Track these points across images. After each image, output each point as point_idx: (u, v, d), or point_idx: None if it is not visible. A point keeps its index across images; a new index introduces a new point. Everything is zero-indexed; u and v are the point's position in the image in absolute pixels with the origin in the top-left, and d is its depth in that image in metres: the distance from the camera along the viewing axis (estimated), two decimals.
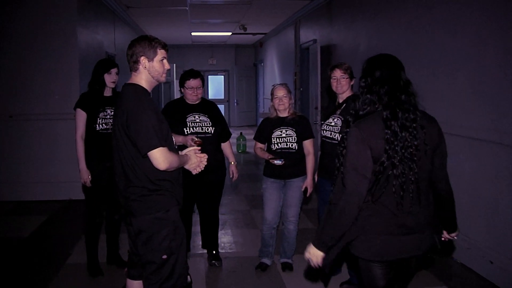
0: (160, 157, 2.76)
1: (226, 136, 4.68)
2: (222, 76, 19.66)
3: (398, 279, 2.61)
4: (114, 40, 9.91)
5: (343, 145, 2.49)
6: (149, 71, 2.92)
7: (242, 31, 13.63)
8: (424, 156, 2.40)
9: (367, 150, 2.34)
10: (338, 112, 4.14)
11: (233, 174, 4.70)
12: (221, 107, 19.36)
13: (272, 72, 14.88)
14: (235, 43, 18.35)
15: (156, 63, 2.91)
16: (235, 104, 18.94)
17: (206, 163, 3.14)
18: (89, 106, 4.25)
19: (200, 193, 4.58)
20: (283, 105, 4.39)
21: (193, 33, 14.63)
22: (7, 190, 7.08)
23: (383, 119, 2.38)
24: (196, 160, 3.10)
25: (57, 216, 6.46)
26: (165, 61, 2.97)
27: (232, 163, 4.72)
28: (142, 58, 2.90)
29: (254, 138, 4.65)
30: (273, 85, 4.55)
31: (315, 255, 2.50)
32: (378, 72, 2.49)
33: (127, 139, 2.82)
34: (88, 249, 4.43)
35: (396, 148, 2.33)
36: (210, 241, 4.77)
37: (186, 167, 3.08)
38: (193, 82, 4.40)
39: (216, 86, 19.77)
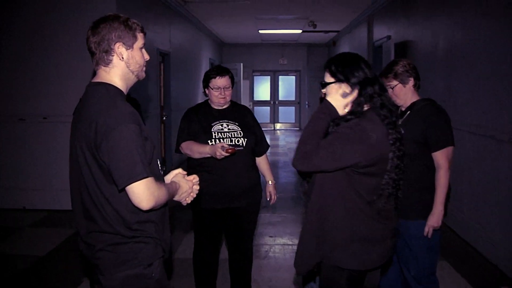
0: (144, 192, 1.92)
1: (263, 149, 3.74)
2: (294, 77, 18.73)
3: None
4: (170, 37, 9.25)
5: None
6: (128, 63, 2.10)
7: (312, 28, 12.71)
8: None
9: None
10: (399, 122, 3.18)
11: (270, 196, 3.77)
12: (291, 109, 18.58)
13: None
14: (307, 42, 17.37)
15: (136, 51, 2.11)
16: (306, 106, 17.96)
17: (198, 188, 2.29)
18: None
19: (228, 222, 3.66)
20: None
21: (261, 31, 13.85)
22: (38, 198, 6.52)
23: (383, 119, 2.31)
24: (187, 187, 2.24)
25: None
26: (144, 50, 2.17)
27: (270, 182, 3.77)
28: (118, 45, 2.07)
29: None
30: None
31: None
32: (363, 72, 2.36)
33: (94, 164, 1.97)
34: None
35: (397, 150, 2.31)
36: (240, 283, 3.84)
37: (176, 198, 2.21)
38: (220, 81, 3.51)
39: (287, 87, 18.89)
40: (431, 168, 3.02)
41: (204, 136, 3.46)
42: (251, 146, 3.55)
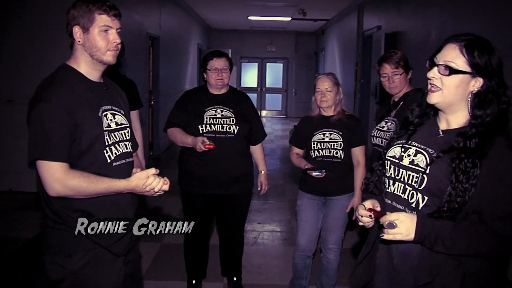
0: (46, 176, 1.94)
1: (258, 138, 3.72)
2: (281, 64, 18.70)
3: None
4: (160, 21, 9.17)
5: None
6: (85, 46, 2.08)
7: (302, 16, 12.66)
8: None
9: None
10: (393, 113, 3.26)
11: (261, 186, 3.77)
12: (278, 97, 18.57)
13: (333, 62, 13.84)
14: (296, 30, 17.31)
15: (93, 35, 2.06)
16: (294, 94, 17.98)
17: (167, 189, 2.07)
18: None
19: (219, 209, 3.67)
20: (326, 102, 3.44)
21: (250, 17, 13.78)
22: (25, 180, 6.46)
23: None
24: (141, 186, 2.01)
25: None
26: (111, 31, 2.09)
27: (262, 172, 3.76)
28: (75, 28, 2.07)
29: (290, 142, 3.73)
30: (316, 75, 3.62)
31: (405, 233, 1.65)
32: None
33: None
34: None
35: None
36: (231, 267, 3.88)
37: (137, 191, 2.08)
38: (217, 62, 3.48)
39: (274, 75, 18.84)
40: None
41: (195, 121, 3.45)
42: (243, 134, 3.52)
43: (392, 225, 1.64)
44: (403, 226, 1.64)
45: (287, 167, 8.70)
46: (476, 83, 1.73)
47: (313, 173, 3.34)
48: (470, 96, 1.74)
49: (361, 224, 1.84)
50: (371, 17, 9.42)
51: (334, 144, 3.43)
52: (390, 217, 1.65)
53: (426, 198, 1.74)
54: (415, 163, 1.80)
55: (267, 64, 18.63)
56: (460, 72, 1.71)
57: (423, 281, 1.73)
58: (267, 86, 18.77)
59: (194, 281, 3.77)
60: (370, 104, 9.04)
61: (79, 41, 2.08)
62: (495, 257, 1.74)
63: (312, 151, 3.48)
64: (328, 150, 3.43)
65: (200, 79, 14.58)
